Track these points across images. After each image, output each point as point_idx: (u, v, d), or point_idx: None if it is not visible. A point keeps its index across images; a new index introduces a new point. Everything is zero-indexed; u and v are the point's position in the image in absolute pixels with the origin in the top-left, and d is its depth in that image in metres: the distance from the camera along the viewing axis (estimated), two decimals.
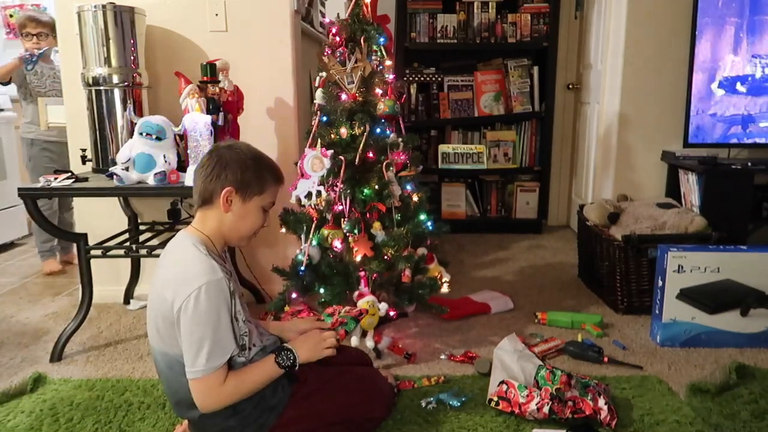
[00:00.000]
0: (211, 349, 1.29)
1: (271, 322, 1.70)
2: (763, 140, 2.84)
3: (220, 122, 2.13)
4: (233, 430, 1.38)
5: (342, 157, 1.96)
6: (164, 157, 2.04)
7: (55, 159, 3.04)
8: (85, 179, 2.11)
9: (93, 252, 2.10)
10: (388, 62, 2.08)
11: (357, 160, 1.97)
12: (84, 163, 2.32)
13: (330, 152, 1.94)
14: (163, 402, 1.74)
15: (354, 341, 1.83)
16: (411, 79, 3.84)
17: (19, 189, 2.03)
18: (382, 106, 2.02)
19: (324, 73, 2.03)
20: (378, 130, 2.02)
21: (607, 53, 3.15)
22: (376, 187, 1.98)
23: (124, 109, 2.22)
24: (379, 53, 2.06)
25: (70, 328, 2.13)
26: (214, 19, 2.46)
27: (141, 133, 2.04)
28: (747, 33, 2.76)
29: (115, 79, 2.20)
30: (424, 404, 1.71)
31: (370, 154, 2.00)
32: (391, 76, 2.08)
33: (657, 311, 2.16)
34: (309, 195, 1.96)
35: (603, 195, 3.17)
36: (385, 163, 1.99)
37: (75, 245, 2.14)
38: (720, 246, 2.21)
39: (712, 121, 2.83)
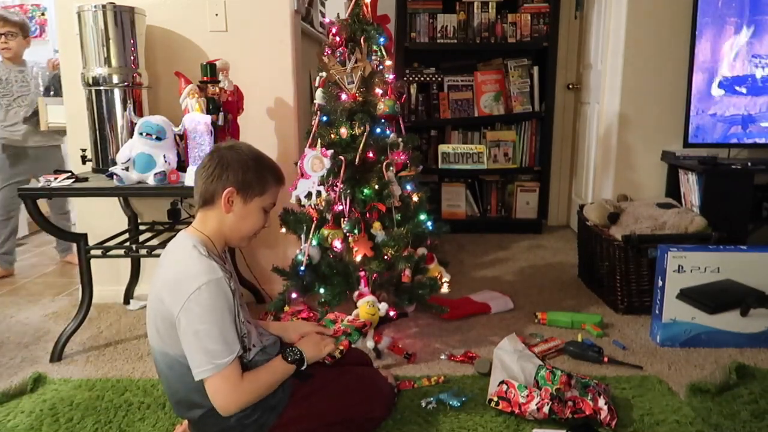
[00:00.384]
0: (217, 346, 1.28)
1: (272, 323, 1.70)
2: (763, 140, 2.84)
3: (220, 122, 2.13)
4: (233, 430, 1.38)
5: (342, 157, 1.96)
6: (164, 157, 2.04)
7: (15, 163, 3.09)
8: (85, 179, 2.11)
9: (93, 252, 2.10)
10: (388, 62, 2.08)
11: (357, 160, 1.97)
12: (84, 163, 2.32)
13: (330, 152, 1.94)
14: (163, 402, 1.74)
15: None
16: (411, 79, 3.84)
17: (19, 189, 2.04)
18: (382, 106, 2.02)
19: (324, 73, 2.03)
20: (378, 130, 2.01)
21: (607, 53, 3.15)
22: (376, 187, 1.98)
23: (124, 109, 2.22)
24: (379, 53, 2.05)
25: (70, 328, 2.13)
26: (214, 19, 2.46)
27: (141, 133, 2.03)
28: (747, 33, 2.76)
29: (115, 79, 2.20)
30: (424, 404, 1.71)
31: (370, 154, 2.00)
32: (391, 76, 2.08)
33: (657, 311, 2.16)
34: (309, 195, 1.96)
35: (603, 195, 3.17)
36: (385, 163, 1.99)
37: (75, 245, 2.14)
38: (720, 246, 2.22)
39: (712, 121, 2.83)
